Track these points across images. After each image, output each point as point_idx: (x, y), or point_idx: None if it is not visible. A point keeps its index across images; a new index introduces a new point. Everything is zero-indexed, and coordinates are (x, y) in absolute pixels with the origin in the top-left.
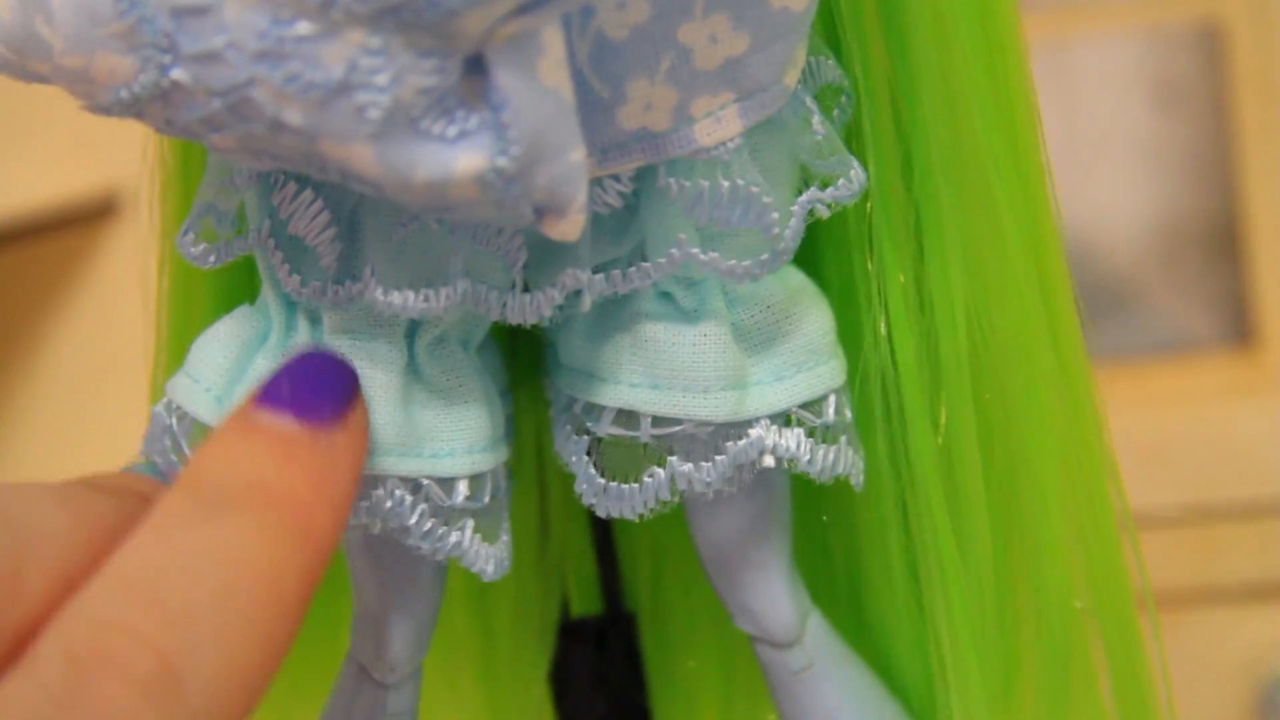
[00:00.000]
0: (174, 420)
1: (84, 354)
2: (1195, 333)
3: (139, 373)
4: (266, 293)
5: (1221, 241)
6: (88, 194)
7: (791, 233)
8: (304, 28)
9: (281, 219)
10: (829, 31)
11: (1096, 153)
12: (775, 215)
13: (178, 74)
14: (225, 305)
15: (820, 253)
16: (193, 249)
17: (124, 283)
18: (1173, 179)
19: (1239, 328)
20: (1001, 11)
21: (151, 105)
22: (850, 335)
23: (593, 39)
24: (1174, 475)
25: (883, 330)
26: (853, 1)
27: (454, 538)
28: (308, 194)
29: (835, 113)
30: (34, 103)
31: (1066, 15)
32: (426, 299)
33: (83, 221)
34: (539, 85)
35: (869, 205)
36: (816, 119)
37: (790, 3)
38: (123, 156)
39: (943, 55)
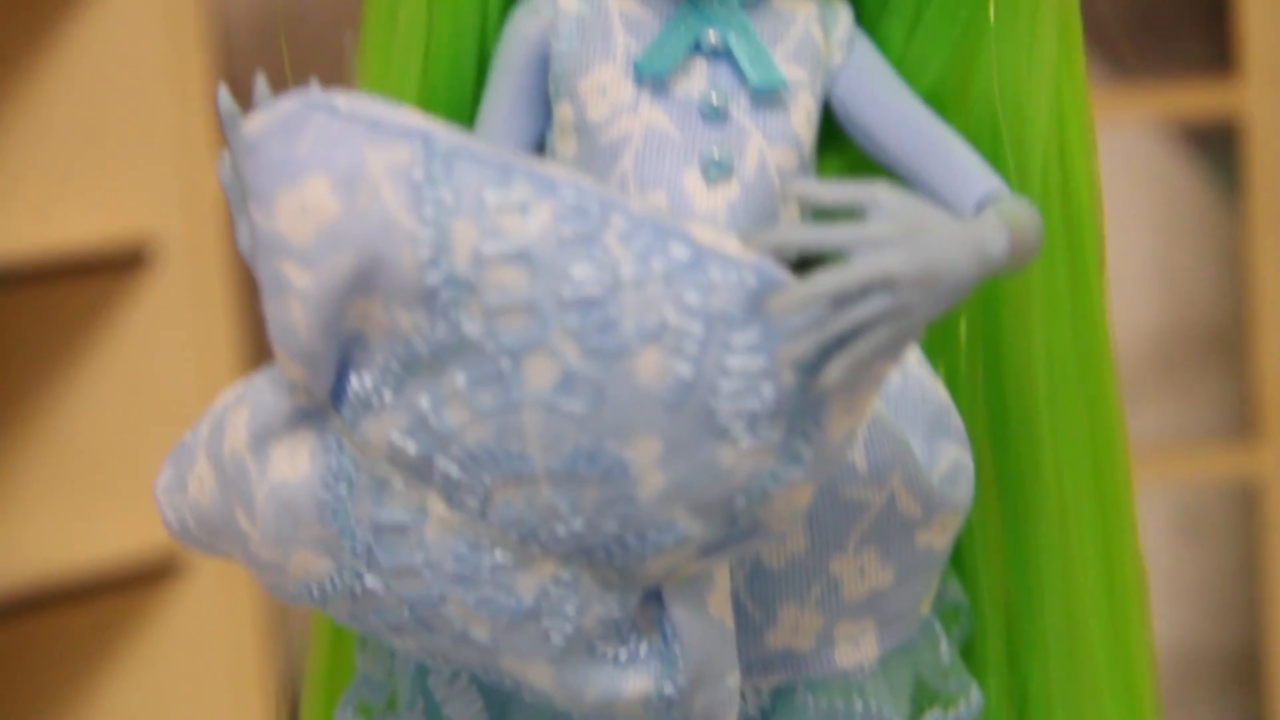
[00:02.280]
0: None
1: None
2: None
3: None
4: None
5: (1242, 674)
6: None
7: None
8: (500, 556)
9: (436, 701)
10: (955, 552)
11: None
12: None
13: (371, 581)
14: None
15: None
16: None
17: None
18: (1195, 609)
19: None
20: (1126, 545)
21: (339, 602)
22: None
23: (751, 566)
24: None
25: None
26: (983, 527)
27: None
28: (463, 681)
29: (955, 630)
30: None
31: None
32: None
33: (113, 269)
34: (707, 617)
35: (982, 718)
36: (944, 644)
37: (934, 541)
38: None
39: (1067, 588)
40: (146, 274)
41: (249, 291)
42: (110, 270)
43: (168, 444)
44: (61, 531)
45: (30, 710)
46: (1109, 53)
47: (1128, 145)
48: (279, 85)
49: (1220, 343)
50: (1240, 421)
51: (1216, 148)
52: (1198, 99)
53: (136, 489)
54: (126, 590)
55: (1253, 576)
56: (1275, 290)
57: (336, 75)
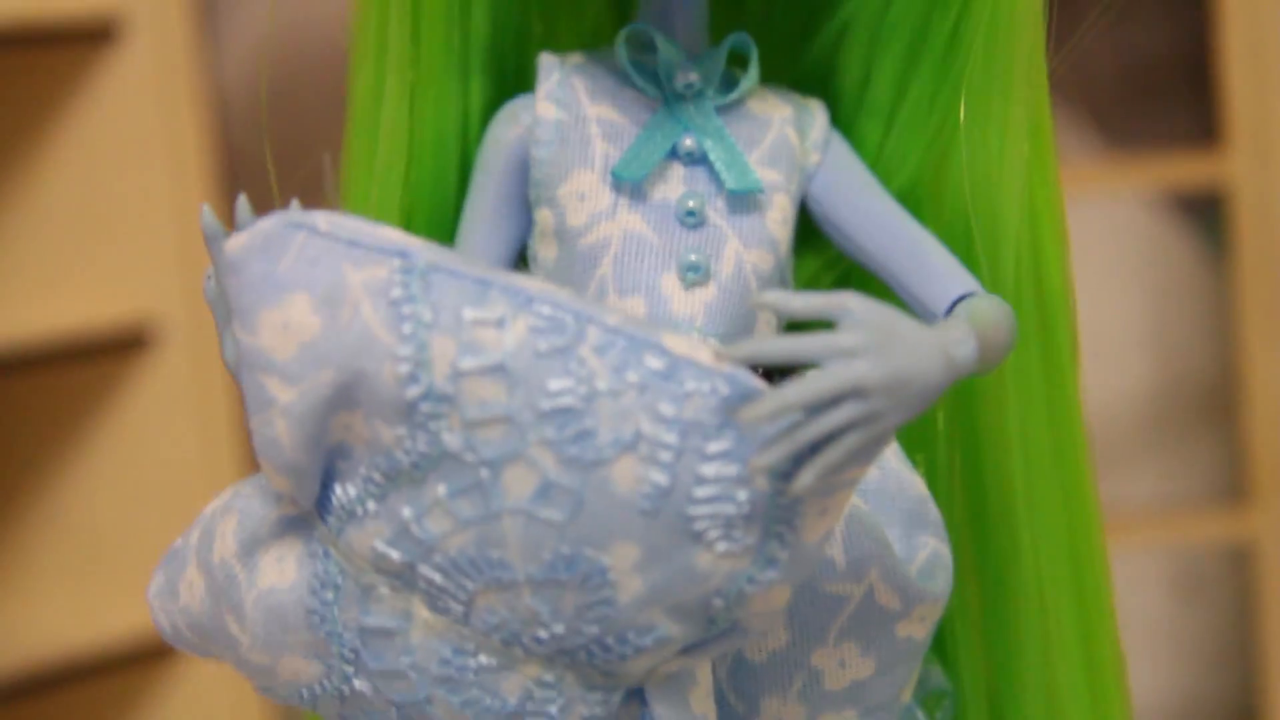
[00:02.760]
0: None
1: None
2: None
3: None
4: None
5: None
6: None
7: None
8: (485, 659)
9: None
10: (937, 639)
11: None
12: None
13: (360, 684)
14: None
15: None
16: None
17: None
18: (1191, 668)
19: None
20: (1104, 627)
21: (328, 703)
22: None
23: (733, 660)
24: None
25: None
26: (964, 615)
27: None
28: None
29: (938, 715)
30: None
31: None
32: None
33: (114, 351)
34: (690, 714)
35: None
36: None
37: (914, 632)
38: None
39: (1048, 671)
40: (148, 355)
41: None
42: (112, 352)
43: (170, 525)
44: (66, 612)
45: None
46: (1100, 125)
47: (1118, 214)
48: (263, 197)
49: (1211, 406)
50: (1232, 484)
51: (1204, 215)
52: (1185, 169)
53: (139, 569)
54: (131, 669)
55: (1247, 635)
56: (1264, 354)
57: (321, 181)
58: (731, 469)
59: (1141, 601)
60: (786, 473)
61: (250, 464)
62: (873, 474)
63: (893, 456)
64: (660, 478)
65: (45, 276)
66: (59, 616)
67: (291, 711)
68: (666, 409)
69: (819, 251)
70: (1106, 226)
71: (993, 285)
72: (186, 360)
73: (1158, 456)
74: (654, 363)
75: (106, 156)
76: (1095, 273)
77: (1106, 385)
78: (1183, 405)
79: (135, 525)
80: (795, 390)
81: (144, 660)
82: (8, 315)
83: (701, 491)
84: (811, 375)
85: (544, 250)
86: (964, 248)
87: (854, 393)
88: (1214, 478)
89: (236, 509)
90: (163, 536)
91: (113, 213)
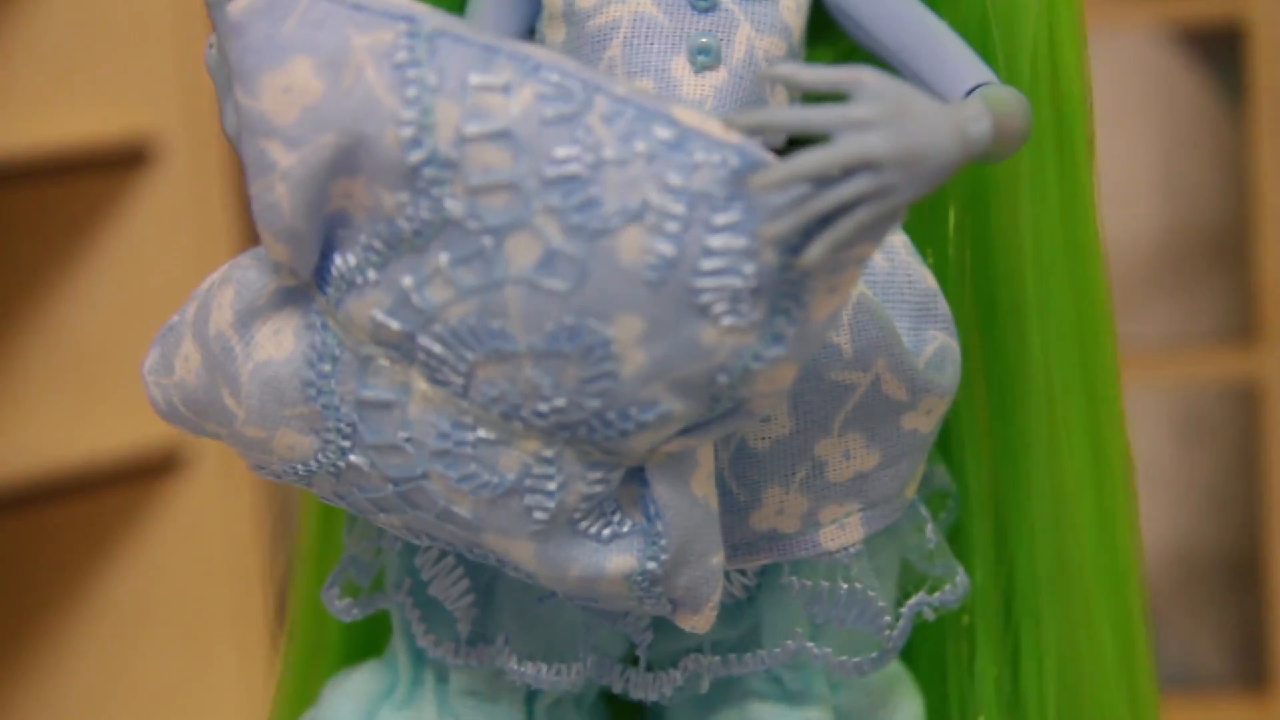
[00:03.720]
0: None
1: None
2: (1209, 669)
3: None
4: (397, 645)
5: (1240, 576)
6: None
7: (900, 633)
8: (483, 433)
9: (422, 580)
10: (943, 439)
11: None
12: (888, 618)
13: (355, 458)
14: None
15: (913, 640)
16: (337, 603)
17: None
18: (1194, 511)
19: (1255, 668)
20: (1113, 431)
21: (323, 479)
22: None
23: (736, 448)
24: None
25: None
26: (971, 414)
27: None
28: (449, 560)
29: (942, 515)
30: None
31: None
32: (558, 673)
33: (114, 166)
34: (691, 496)
35: (968, 601)
36: (930, 527)
37: (920, 425)
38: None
39: (1055, 473)
40: (147, 171)
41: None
42: (111, 167)
43: None
44: (64, 426)
45: (34, 601)
46: None
47: (1131, 50)
48: None
49: (1222, 247)
50: (1241, 324)
51: (1220, 53)
52: (1201, 4)
53: (136, 385)
54: (128, 483)
55: (1252, 478)
56: (1277, 194)
57: None
58: (739, 241)
59: (1148, 445)
60: (795, 246)
61: None
62: (882, 265)
63: (902, 249)
64: (666, 248)
65: (47, 91)
66: (56, 431)
67: (286, 520)
68: (674, 179)
69: (833, 43)
70: (1117, 63)
71: (1009, 80)
72: (186, 177)
73: (1168, 296)
74: (663, 133)
75: None
76: (1106, 111)
77: (1116, 224)
78: (1194, 245)
79: (132, 341)
80: (805, 159)
81: (140, 475)
82: (9, 129)
83: (708, 264)
84: (822, 146)
85: (552, 33)
86: (980, 44)
87: (865, 165)
88: (1224, 318)
89: (234, 280)
90: None
91: (114, 28)
